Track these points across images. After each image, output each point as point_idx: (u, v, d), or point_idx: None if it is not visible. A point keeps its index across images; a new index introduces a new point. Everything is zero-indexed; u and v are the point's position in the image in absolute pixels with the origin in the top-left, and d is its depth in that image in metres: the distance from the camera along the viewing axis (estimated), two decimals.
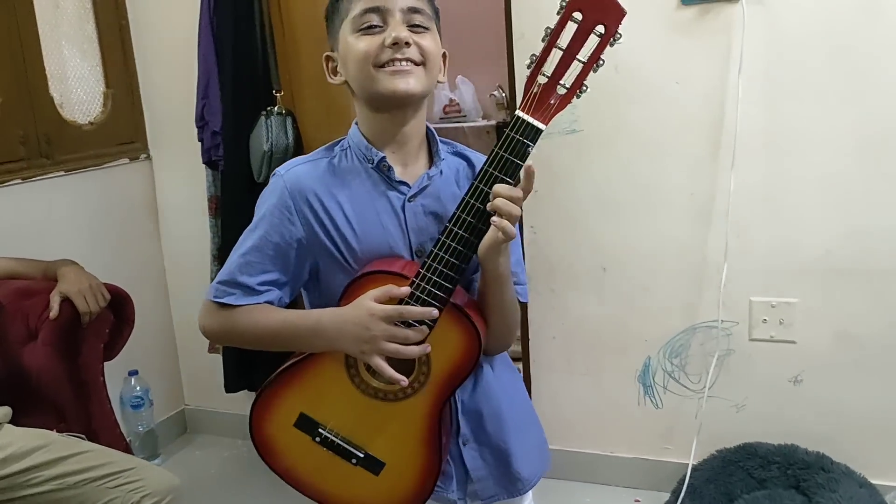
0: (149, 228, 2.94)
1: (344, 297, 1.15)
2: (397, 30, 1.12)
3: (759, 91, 2.09)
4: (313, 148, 2.32)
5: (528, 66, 1.05)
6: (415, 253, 1.21)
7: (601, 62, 1.04)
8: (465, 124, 4.60)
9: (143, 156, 2.89)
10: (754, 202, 2.16)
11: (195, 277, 2.87)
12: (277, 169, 1.23)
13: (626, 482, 2.47)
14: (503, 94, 4.38)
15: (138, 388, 2.79)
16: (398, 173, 1.20)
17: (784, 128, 2.10)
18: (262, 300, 1.20)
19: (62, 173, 2.57)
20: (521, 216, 2.33)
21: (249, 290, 1.20)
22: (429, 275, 1.10)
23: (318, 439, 1.21)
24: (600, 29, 1.02)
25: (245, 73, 2.41)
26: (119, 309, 2.05)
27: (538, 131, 1.06)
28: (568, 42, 1.01)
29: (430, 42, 1.16)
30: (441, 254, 1.09)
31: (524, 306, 2.51)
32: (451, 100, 5.26)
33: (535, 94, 1.05)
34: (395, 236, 1.18)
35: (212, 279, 2.71)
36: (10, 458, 1.68)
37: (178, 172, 2.88)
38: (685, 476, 2.23)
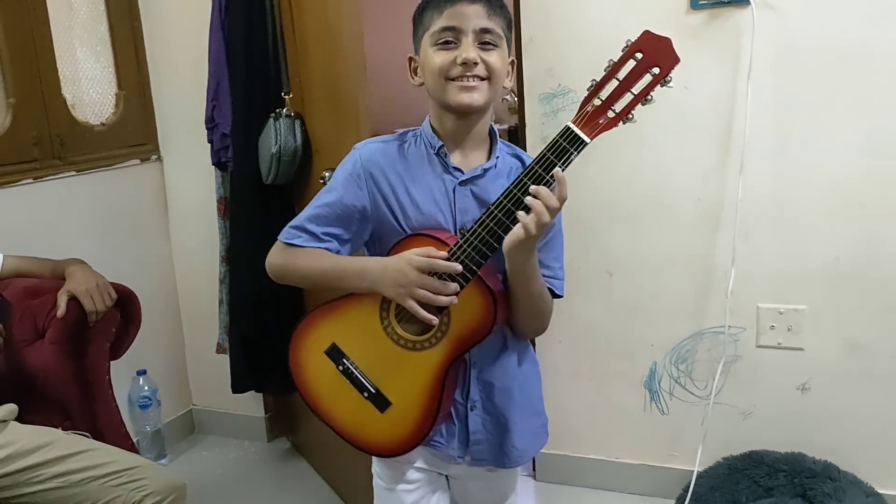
0: (159, 229, 2.95)
1: (392, 251, 1.33)
2: (468, 51, 1.27)
3: (769, 97, 2.08)
4: (321, 151, 2.34)
5: (588, 89, 1.21)
6: (458, 230, 1.36)
7: (650, 98, 1.18)
8: None
9: (153, 157, 2.91)
10: (763, 208, 2.15)
11: (204, 278, 2.89)
12: (356, 144, 1.41)
13: (631, 488, 2.46)
14: (515, 99, 4.39)
15: (146, 388, 2.81)
16: (458, 162, 1.35)
17: (793, 134, 2.09)
18: (322, 247, 1.38)
19: (74, 173, 2.59)
20: None
21: (314, 237, 1.39)
22: (465, 246, 1.25)
23: (341, 368, 1.37)
24: (655, 70, 1.19)
25: (255, 75, 2.42)
26: (126, 309, 2.06)
27: (584, 143, 1.21)
28: (625, 75, 1.18)
29: (496, 59, 1.30)
30: (479, 230, 1.24)
31: None
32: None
33: (588, 112, 1.21)
34: (444, 213, 1.34)
35: (220, 280, 2.73)
36: (15, 455, 1.70)
37: (189, 174, 2.90)
38: (690, 483, 2.21)
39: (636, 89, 1.18)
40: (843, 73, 2.01)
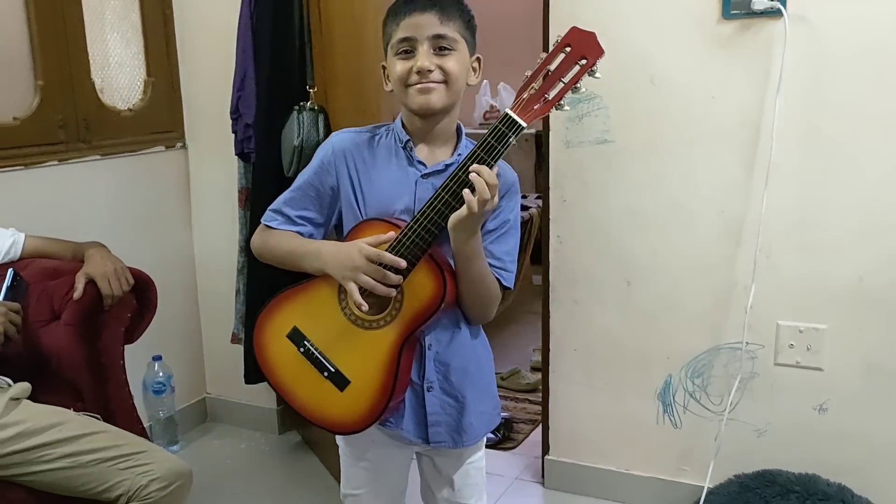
0: (180, 217, 2.97)
1: (348, 236, 1.44)
2: (422, 59, 1.37)
3: (798, 111, 2.05)
4: None
5: (524, 79, 1.31)
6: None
7: (579, 87, 1.31)
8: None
9: (178, 144, 2.93)
10: (787, 224, 2.11)
11: (223, 268, 2.90)
12: (332, 134, 1.54)
13: (640, 501, 2.43)
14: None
15: (161, 373, 2.82)
16: (423, 157, 1.45)
17: (821, 150, 2.05)
18: (295, 230, 1.49)
19: (98, 157, 2.61)
20: (548, 225, 2.32)
21: (288, 220, 1.50)
22: (415, 226, 1.35)
23: (301, 350, 1.46)
24: (583, 61, 1.30)
25: (281, 68, 2.43)
26: (142, 294, 2.07)
27: (520, 127, 1.30)
28: (557, 66, 1.29)
29: (453, 63, 1.38)
30: (427, 211, 1.34)
31: (546, 316, 2.49)
32: (491, 106, 5.27)
33: (524, 99, 1.30)
34: (404, 201, 1.43)
35: (238, 271, 2.74)
36: (25, 432, 1.71)
37: (212, 163, 2.91)
38: (700, 499, 2.19)
39: (566, 78, 1.30)
40: (877, 89, 1.97)
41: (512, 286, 1.49)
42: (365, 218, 1.44)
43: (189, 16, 2.84)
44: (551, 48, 1.31)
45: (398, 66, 1.39)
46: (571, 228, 2.39)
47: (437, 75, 1.37)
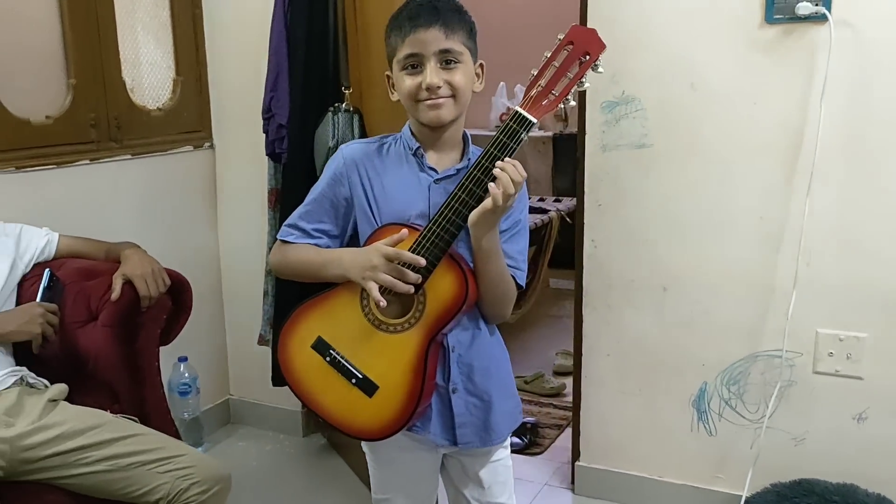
0: (206, 217, 2.96)
1: (367, 241, 1.45)
2: (430, 76, 1.38)
3: (842, 117, 2.03)
4: None
5: (531, 77, 1.34)
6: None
7: (584, 82, 1.33)
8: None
9: (206, 144, 2.92)
10: (828, 230, 2.09)
11: (249, 268, 2.89)
12: (341, 145, 1.54)
13: None
14: (562, 106, 4.36)
15: (187, 374, 2.81)
16: (433, 163, 1.46)
17: (865, 157, 2.03)
18: (312, 243, 1.51)
19: (129, 157, 2.60)
20: (582, 229, 2.31)
21: (305, 233, 1.52)
22: (433, 227, 1.36)
23: (328, 359, 1.45)
24: (586, 57, 1.33)
25: (315, 68, 2.41)
26: (177, 296, 2.05)
27: (531, 123, 1.34)
28: (561, 63, 1.33)
29: (459, 76, 1.40)
30: (445, 212, 1.36)
31: (578, 321, 2.47)
32: (507, 108, 5.26)
33: (532, 96, 1.34)
34: (418, 206, 1.44)
35: (267, 272, 2.72)
36: (64, 435, 1.70)
37: (240, 163, 2.90)
38: None
39: (571, 74, 1.33)
40: None
41: (524, 285, 1.51)
42: (380, 225, 1.45)
43: (218, 15, 2.83)
44: (554, 47, 1.34)
45: (406, 82, 1.41)
46: (606, 233, 2.37)
47: (445, 90, 1.39)
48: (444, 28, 1.39)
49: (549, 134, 5.24)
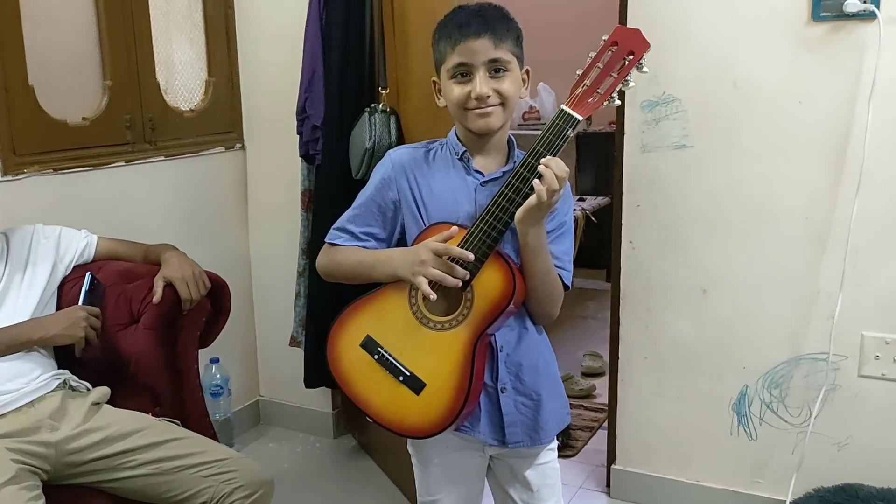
0: (238, 218, 2.95)
1: (415, 240, 1.47)
2: (480, 87, 1.40)
3: (891, 117, 1.99)
4: None
5: (577, 76, 1.37)
6: None
7: (628, 81, 1.36)
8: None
9: (237, 146, 2.91)
10: (876, 231, 2.06)
11: (280, 270, 2.88)
12: (389, 151, 1.57)
13: None
14: (619, 101, 4.33)
15: (218, 376, 2.81)
16: (480, 167, 1.48)
17: None
18: (360, 245, 1.53)
19: (162, 158, 2.60)
20: (620, 230, 2.28)
21: (353, 236, 1.54)
22: (481, 225, 1.38)
23: (376, 357, 1.46)
24: (630, 56, 1.35)
25: (352, 68, 2.39)
26: (216, 298, 2.04)
27: (577, 120, 1.35)
28: (606, 62, 1.35)
29: (508, 84, 1.42)
30: (492, 208, 1.38)
31: (615, 323, 2.44)
32: (531, 107, 5.23)
33: (578, 95, 1.36)
34: (465, 209, 1.47)
35: (299, 273, 2.71)
36: (110, 438, 1.69)
37: (271, 164, 2.89)
38: None
39: (615, 73, 1.35)
40: None
41: (570, 285, 1.52)
42: (430, 223, 1.47)
43: (250, 15, 2.82)
44: (599, 47, 1.36)
45: (456, 91, 1.42)
46: (645, 235, 2.34)
47: (493, 99, 1.41)
48: (494, 37, 1.40)
49: (574, 133, 5.22)
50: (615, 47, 1.36)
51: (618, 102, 1.37)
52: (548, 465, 1.59)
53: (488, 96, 1.41)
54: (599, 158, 5.12)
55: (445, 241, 1.40)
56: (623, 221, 2.38)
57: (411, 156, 1.53)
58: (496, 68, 1.41)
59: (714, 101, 2.19)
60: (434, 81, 1.51)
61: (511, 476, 1.59)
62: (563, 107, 1.36)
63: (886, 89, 1.98)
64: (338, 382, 1.52)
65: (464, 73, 1.41)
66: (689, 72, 2.20)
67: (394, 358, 1.45)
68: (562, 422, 1.60)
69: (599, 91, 1.35)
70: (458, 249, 1.38)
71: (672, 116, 2.24)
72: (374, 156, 2.29)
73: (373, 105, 2.33)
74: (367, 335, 1.48)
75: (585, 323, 4.30)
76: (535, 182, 1.33)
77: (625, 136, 2.32)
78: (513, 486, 1.59)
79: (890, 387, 2.12)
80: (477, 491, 1.65)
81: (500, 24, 1.42)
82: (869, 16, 1.96)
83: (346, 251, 1.53)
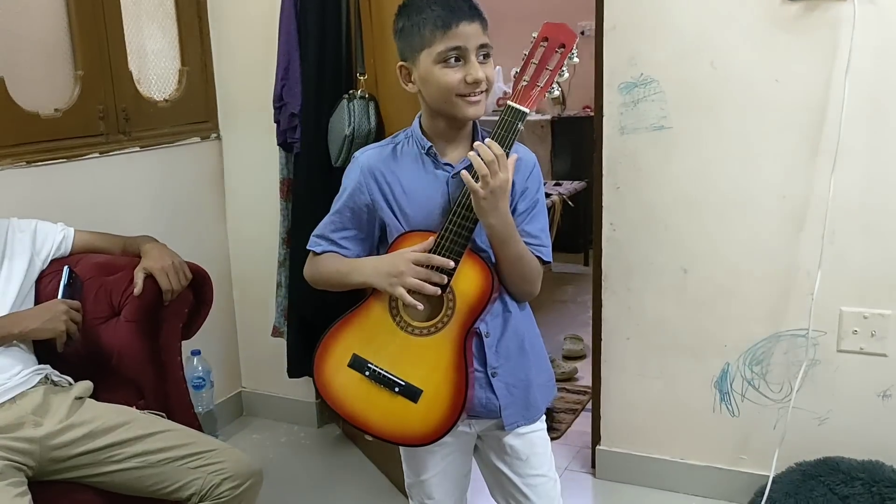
0: (216, 209, 2.92)
1: (389, 249, 1.48)
2: (477, 71, 1.39)
3: (866, 94, 2.01)
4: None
5: (514, 75, 1.41)
6: None
7: (563, 72, 1.40)
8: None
9: (213, 135, 2.88)
10: (852, 208, 2.08)
11: (260, 260, 2.86)
12: (356, 153, 1.56)
13: (697, 490, 2.41)
14: (559, 90, 4.34)
15: (200, 368, 2.78)
16: (446, 155, 1.48)
17: (891, 132, 2.02)
18: (340, 251, 1.54)
19: (137, 149, 2.56)
20: (600, 212, 2.29)
21: (332, 242, 1.55)
22: (449, 225, 1.40)
23: (367, 373, 1.47)
24: (562, 49, 1.39)
25: (329, 55, 2.38)
26: (198, 289, 2.03)
27: (524, 114, 1.38)
28: (540, 58, 1.40)
29: (490, 69, 1.42)
30: (456, 208, 1.40)
31: (597, 305, 2.46)
32: (505, 92, 5.23)
33: (520, 90, 1.40)
34: (440, 204, 1.46)
35: (279, 263, 2.69)
36: (94, 432, 1.68)
37: (248, 154, 2.86)
38: (764, 488, 2.16)
39: (551, 66, 1.39)
40: None
41: (551, 260, 1.54)
42: (405, 230, 1.48)
43: (223, 2, 2.78)
44: (531, 44, 1.40)
45: (448, 76, 1.39)
46: (625, 216, 2.35)
47: (483, 85, 1.41)
48: (482, 22, 1.41)
49: (548, 117, 5.22)
50: (546, 42, 1.39)
51: (557, 93, 1.42)
52: (535, 433, 1.60)
53: (482, 80, 1.40)
54: (575, 143, 5.15)
55: (423, 251, 1.41)
56: (603, 203, 2.38)
57: (379, 157, 1.52)
58: (485, 54, 1.41)
59: (691, 81, 2.20)
60: (403, 67, 1.47)
61: (500, 449, 1.59)
62: (510, 102, 1.38)
63: (861, 66, 2.00)
64: (331, 406, 1.53)
65: (458, 57, 1.39)
66: (666, 53, 2.21)
67: (385, 371, 1.46)
68: (550, 394, 1.63)
69: (539, 84, 1.39)
70: (440, 258, 1.40)
71: (650, 98, 2.25)
72: (353, 142, 2.28)
73: (351, 91, 2.31)
74: (354, 354, 1.48)
75: (565, 306, 4.32)
76: (463, 173, 1.36)
77: (604, 119, 2.33)
78: (502, 459, 1.60)
79: (868, 360, 2.15)
80: (465, 471, 1.67)
81: (481, 9, 1.42)
82: None
83: (326, 259, 1.55)
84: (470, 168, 1.36)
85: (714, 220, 2.25)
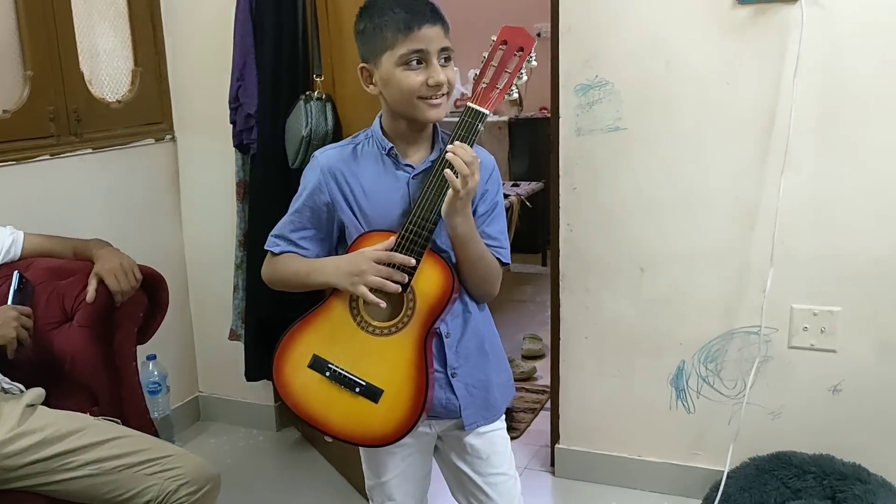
0: (171, 212, 2.88)
1: (350, 249, 1.48)
2: (439, 74, 1.40)
3: (814, 95, 2.06)
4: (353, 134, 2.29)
5: (473, 77, 1.45)
6: None
7: (522, 74, 1.42)
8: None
9: (167, 137, 2.84)
10: (802, 208, 2.13)
11: (216, 263, 2.83)
12: (315, 152, 1.55)
13: (654, 487, 2.44)
14: (517, 92, 4.36)
15: (156, 373, 2.74)
16: (407, 156, 1.49)
17: (837, 133, 2.07)
18: (299, 252, 1.53)
19: (90, 151, 2.52)
20: (557, 213, 2.31)
21: (290, 242, 1.54)
22: (410, 226, 1.41)
23: (327, 374, 1.47)
24: (520, 52, 1.42)
25: (285, 55, 2.36)
26: (153, 293, 2.00)
27: (484, 115, 1.40)
28: (499, 60, 1.42)
29: (452, 73, 1.42)
30: (418, 208, 1.40)
31: (555, 305, 2.48)
32: (462, 94, 5.24)
33: (480, 92, 1.42)
34: (401, 205, 1.46)
35: (236, 266, 2.67)
36: (46, 440, 1.64)
37: (203, 155, 2.83)
38: (719, 483, 2.20)
39: (510, 69, 1.42)
40: (893, 73, 2.00)
41: (510, 261, 1.56)
42: (365, 230, 1.48)
43: (177, 1, 2.75)
44: (490, 48, 1.42)
45: (410, 78, 1.40)
46: (582, 216, 2.38)
47: (444, 87, 1.41)
48: (443, 25, 1.42)
49: (505, 119, 5.25)
50: (505, 45, 1.41)
51: (515, 96, 1.45)
52: (496, 432, 1.61)
53: (444, 85, 1.41)
54: (532, 144, 5.18)
55: (385, 249, 1.42)
56: (560, 204, 2.41)
57: (339, 156, 1.52)
58: (446, 57, 1.42)
59: (646, 83, 2.23)
60: (363, 68, 1.47)
61: (460, 448, 1.60)
62: (470, 104, 1.40)
63: (809, 69, 2.05)
64: (291, 407, 1.52)
65: (420, 60, 1.39)
66: (620, 55, 2.24)
67: (345, 371, 1.46)
68: (509, 393, 1.65)
69: (499, 87, 1.41)
70: (401, 256, 1.40)
71: (605, 99, 2.27)
72: (311, 144, 2.26)
73: (308, 92, 2.30)
74: (314, 355, 1.48)
75: (524, 306, 4.35)
76: (447, 172, 1.36)
77: (560, 120, 2.35)
78: (462, 459, 1.61)
79: (818, 356, 2.21)
80: (426, 471, 1.67)
81: (443, 13, 1.42)
82: None
83: (284, 260, 1.54)
84: (443, 167, 1.37)
85: (669, 219, 2.28)
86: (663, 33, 2.18)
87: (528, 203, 4.50)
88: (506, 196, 4.36)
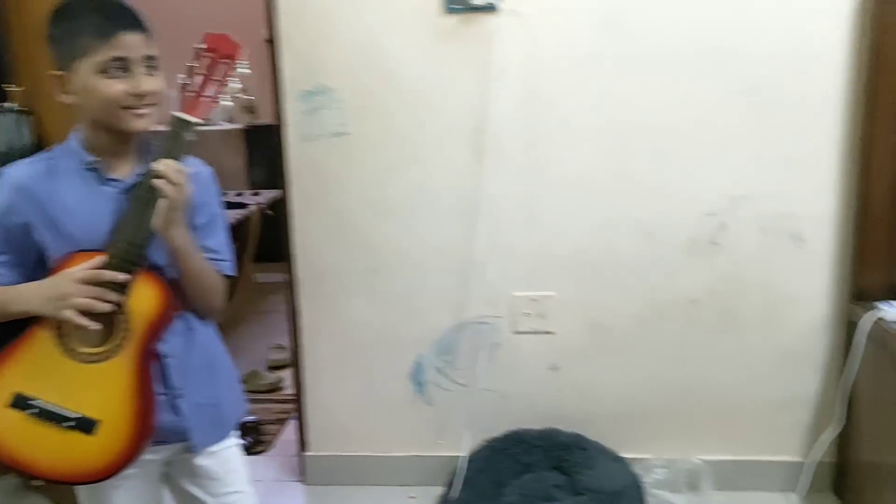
0: None
1: (53, 270, 1.37)
2: (145, 83, 1.34)
3: (518, 99, 2.23)
4: None
5: (180, 84, 1.39)
6: None
7: (229, 81, 1.40)
8: (210, 128, 4.44)
9: None
10: (513, 203, 2.30)
11: None
12: (3, 168, 1.42)
13: (401, 480, 2.51)
14: (229, 99, 4.28)
15: None
16: (113, 170, 1.41)
17: (538, 132, 2.25)
18: None
19: None
20: (290, 220, 2.31)
21: None
22: (119, 244, 1.34)
23: (31, 412, 1.37)
24: (227, 60, 1.40)
25: None
26: None
27: (190, 123, 1.36)
28: (207, 67, 1.39)
29: (159, 83, 1.38)
30: (125, 225, 1.35)
31: (293, 311, 2.48)
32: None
33: (186, 99, 1.37)
34: (107, 221, 1.38)
35: None
36: None
37: None
38: (456, 468, 2.31)
39: (218, 76, 1.40)
40: (581, 78, 2.21)
41: (234, 273, 1.54)
42: (68, 251, 1.38)
43: None
44: (195, 56, 1.40)
45: (112, 87, 1.33)
46: (314, 222, 2.39)
47: (150, 98, 1.37)
48: (144, 33, 1.36)
49: (240, 126, 5.13)
50: (212, 53, 1.39)
51: (229, 102, 1.41)
52: (228, 450, 1.58)
53: (150, 94, 1.36)
54: (269, 151, 5.09)
55: (91, 268, 1.34)
56: (293, 211, 2.40)
57: (30, 174, 1.41)
58: (151, 65, 1.37)
59: (366, 88, 2.28)
60: (57, 76, 1.37)
61: (191, 472, 1.55)
62: (175, 113, 1.36)
63: (510, 74, 2.21)
64: None
65: (122, 68, 1.33)
66: (340, 62, 2.27)
67: (54, 406, 1.37)
68: (241, 408, 1.64)
69: (209, 94, 1.39)
70: (110, 273, 1.33)
71: (329, 106, 2.30)
72: (9, 159, 2.05)
73: (2, 104, 2.09)
74: (15, 393, 1.37)
75: (269, 317, 4.27)
76: (158, 182, 1.31)
77: (288, 127, 2.34)
78: (193, 482, 1.55)
79: (539, 339, 2.39)
80: (156, 501, 1.59)
81: (143, 22, 1.37)
82: (491, 8, 2.17)
83: None
84: (149, 179, 1.32)
85: (398, 220, 2.36)
86: (379, 40, 2.24)
87: (270, 211, 4.43)
88: (245, 205, 4.27)
